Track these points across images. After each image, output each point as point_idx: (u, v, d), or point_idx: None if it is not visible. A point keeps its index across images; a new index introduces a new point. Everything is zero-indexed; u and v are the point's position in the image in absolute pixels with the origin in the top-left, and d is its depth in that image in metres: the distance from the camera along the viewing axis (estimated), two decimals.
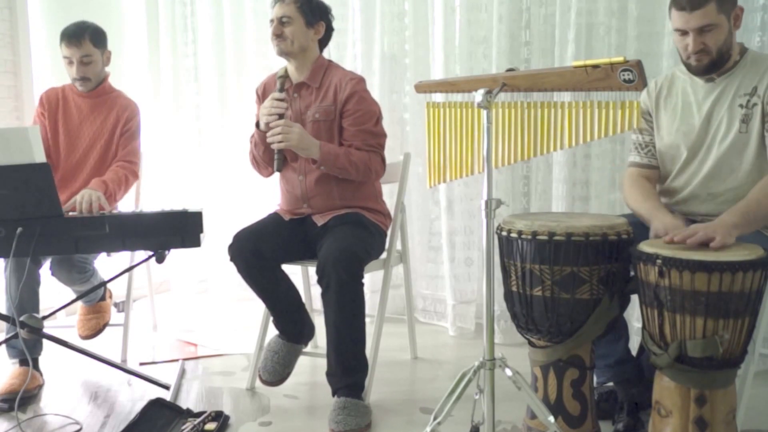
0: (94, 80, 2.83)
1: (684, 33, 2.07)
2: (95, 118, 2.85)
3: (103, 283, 2.69)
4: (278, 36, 2.47)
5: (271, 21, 2.50)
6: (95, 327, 2.94)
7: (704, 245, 1.81)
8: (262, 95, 2.66)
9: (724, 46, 2.05)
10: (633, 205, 2.23)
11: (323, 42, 2.59)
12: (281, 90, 2.45)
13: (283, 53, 2.50)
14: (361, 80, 2.54)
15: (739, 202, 1.98)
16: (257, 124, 2.50)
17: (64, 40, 2.76)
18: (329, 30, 2.59)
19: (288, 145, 2.36)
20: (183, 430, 2.20)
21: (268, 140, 2.39)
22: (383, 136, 2.56)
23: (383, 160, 2.55)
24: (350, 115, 2.48)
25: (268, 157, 2.51)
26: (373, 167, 2.49)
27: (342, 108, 2.49)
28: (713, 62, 2.07)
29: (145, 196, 3.24)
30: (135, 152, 2.88)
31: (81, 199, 2.52)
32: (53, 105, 2.86)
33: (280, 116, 2.39)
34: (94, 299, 2.94)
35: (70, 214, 2.46)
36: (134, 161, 2.86)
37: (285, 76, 2.50)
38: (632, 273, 1.95)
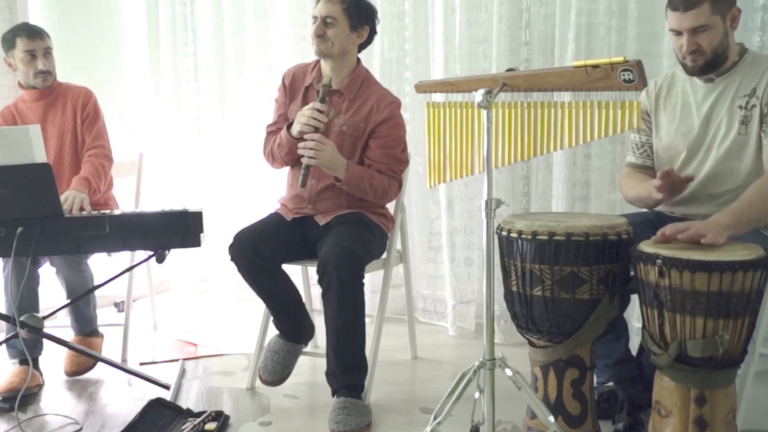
0: (53, 75, 2.81)
1: (678, 33, 2.07)
2: (54, 117, 2.82)
3: (103, 284, 2.68)
4: (320, 36, 2.40)
5: (314, 18, 2.42)
6: (85, 362, 2.75)
7: (699, 243, 1.81)
8: (289, 85, 2.57)
9: (719, 47, 2.05)
10: (630, 193, 2.26)
11: (363, 45, 2.53)
12: (322, 100, 2.36)
13: (322, 54, 2.44)
14: (399, 104, 2.52)
15: (732, 203, 1.97)
16: (288, 127, 2.44)
17: (23, 35, 2.70)
18: (372, 33, 2.52)
19: (317, 162, 2.32)
20: (183, 430, 2.20)
21: (299, 152, 2.33)
22: (406, 163, 2.56)
23: (400, 186, 2.55)
24: (381, 137, 2.46)
25: (289, 158, 2.48)
26: (389, 193, 2.49)
27: (374, 128, 2.46)
28: (708, 63, 2.07)
29: (145, 196, 3.24)
30: (100, 134, 2.85)
31: (70, 201, 2.50)
32: (10, 123, 2.82)
33: (316, 129, 2.33)
34: (89, 325, 2.83)
35: None
36: (103, 144, 2.83)
37: (329, 86, 2.39)
38: (632, 273, 1.95)
